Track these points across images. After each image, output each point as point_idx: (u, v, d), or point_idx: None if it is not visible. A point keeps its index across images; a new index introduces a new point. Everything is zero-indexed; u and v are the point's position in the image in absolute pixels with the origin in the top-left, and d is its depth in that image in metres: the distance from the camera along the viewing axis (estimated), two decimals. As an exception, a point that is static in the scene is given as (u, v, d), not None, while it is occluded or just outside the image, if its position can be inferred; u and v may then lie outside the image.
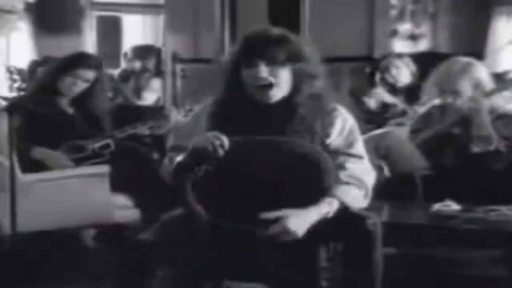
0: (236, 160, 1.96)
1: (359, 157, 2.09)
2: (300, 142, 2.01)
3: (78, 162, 2.97)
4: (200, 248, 1.93)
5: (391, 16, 5.02)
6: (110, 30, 5.62)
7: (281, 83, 2.04)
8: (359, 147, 2.11)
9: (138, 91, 4.73)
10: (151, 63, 5.02)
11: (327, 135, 2.07)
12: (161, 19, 5.46)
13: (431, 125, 3.00)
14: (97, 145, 3.01)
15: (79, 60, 3.05)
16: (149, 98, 4.76)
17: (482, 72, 2.99)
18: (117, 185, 2.86)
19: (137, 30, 5.87)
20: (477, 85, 2.95)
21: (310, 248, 2.02)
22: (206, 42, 5.37)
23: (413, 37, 4.95)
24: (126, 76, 4.91)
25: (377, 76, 4.06)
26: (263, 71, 2.02)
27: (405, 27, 4.98)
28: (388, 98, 3.90)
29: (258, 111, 2.05)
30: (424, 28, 4.95)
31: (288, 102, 2.06)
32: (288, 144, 2.00)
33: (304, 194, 1.97)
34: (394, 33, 4.98)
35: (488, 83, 2.97)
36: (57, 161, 2.93)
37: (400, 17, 4.99)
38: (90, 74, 3.03)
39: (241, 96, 2.06)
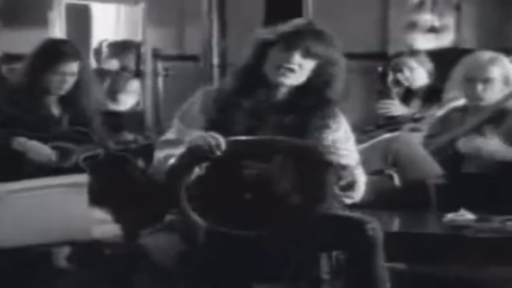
0: (233, 161, 2.34)
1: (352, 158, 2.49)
2: (301, 142, 2.39)
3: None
4: (196, 253, 2.30)
5: (408, 6, 5.24)
6: (81, 22, 5.80)
7: (300, 74, 2.47)
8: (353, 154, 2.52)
9: (113, 94, 5.00)
10: (129, 61, 5.30)
11: (321, 137, 2.48)
12: (140, 9, 5.66)
13: (449, 130, 3.37)
14: (82, 155, 3.31)
15: (58, 51, 3.32)
16: (127, 101, 5.03)
17: (509, 66, 3.40)
18: (94, 197, 3.16)
19: (110, 22, 6.03)
20: (506, 79, 3.35)
21: (310, 255, 2.40)
22: (192, 37, 5.61)
23: (434, 30, 5.17)
24: (99, 76, 5.06)
25: (390, 77, 4.35)
26: (296, 58, 2.45)
27: (425, 18, 5.20)
28: (399, 109, 4.17)
29: (268, 92, 2.47)
30: (447, 20, 5.19)
31: (298, 92, 2.48)
32: (288, 144, 2.38)
33: (304, 197, 2.35)
34: (411, 26, 5.20)
35: None
36: (41, 154, 3.21)
37: (419, 7, 5.22)
38: (75, 66, 3.32)
39: (256, 72, 2.48)
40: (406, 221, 3.05)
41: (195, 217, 2.31)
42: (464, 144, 3.27)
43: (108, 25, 5.99)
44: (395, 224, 2.97)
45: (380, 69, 4.81)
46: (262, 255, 2.36)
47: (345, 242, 2.37)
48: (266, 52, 2.51)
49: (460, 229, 2.80)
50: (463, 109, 3.45)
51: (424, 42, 5.17)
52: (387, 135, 3.43)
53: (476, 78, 3.36)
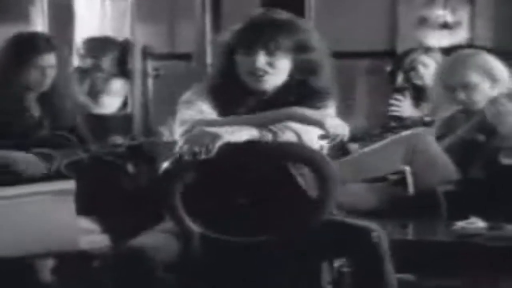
0: (230, 164, 2.47)
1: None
2: (300, 145, 2.53)
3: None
4: (191, 261, 2.44)
5: (418, 0, 5.36)
6: (63, 18, 5.86)
7: (277, 73, 2.56)
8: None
9: (95, 96, 5.19)
10: (107, 61, 5.37)
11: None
12: (127, 3, 5.77)
13: (454, 132, 3.51)
14: (65, 161, 3.44)
15: (30, 44, 3.45)
16: (111, 104, 5.24)
17: (492, 61, 3.49)
18: (81, 205, 3.27)
19: (95, 18, 6.09)
20: (491, 77, 3.44)
21: (311, 264, 2.54)
22: (184, 33, 5.75)
23: (446, 26, 5.29)
24: (80, 76, 5.22)
25: (400, 76, 4.50)
26: (261, 60, 2.53)
27: (436, 14, 5.33)
28: (409, 110, 4.32)
29: (253, 99, 2.57)
30: (460, 15, 5.31)
31: (285, 91, 2.58)
32: (287, 147, 2.52)
33: (305, 203, 2.50)
34: (422, 22, 5.33)
35: (504, 74, 3.46)
36: (28, 165, 3.35)
37: (430, 1, 5.34)
38: (51, 58, 3.45)
39: (234, 81, 2.57)
40: (415, 229, 3.23)
41: (189, 222, 2.45)
42: (489, 110, 3.40)
43: (92, 21, 6.04)
44: (403, 232, 3.13)
45: (388, 68, 4.95)
46: (260, 263, 2.50)
47: (349, 250, 2.51)
48: (232, 58, 2.57)
49: (470, 237, 2.96)
50: (466, 110, 3.56)
51: (436, 39, 5.28)
52: (406, 132, 3.56)
53: (455, 86, 3.48)
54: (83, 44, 5.49)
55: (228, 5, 5.56)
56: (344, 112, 2.69)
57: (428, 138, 3.47)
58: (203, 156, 2.37)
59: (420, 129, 3.69)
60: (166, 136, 3.87)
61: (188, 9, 5.59)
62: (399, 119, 4.30)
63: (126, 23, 5.81)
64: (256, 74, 2.54)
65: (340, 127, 2.53)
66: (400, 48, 5.18)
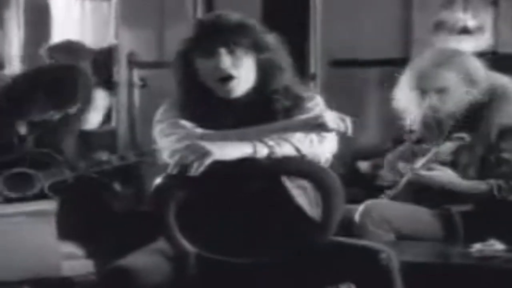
0: (227, 180, 2.65)
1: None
2: (300, 159, 2.69)
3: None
4: (186, 284, 2.61)
5: (435, 3, 5.42)
6: (40, 22, 5.94)
7: (244, 75, 2.74)
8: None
9: None
10: (86, 69, 5.27)
11: None
12: (110, 5, 5.85)
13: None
14: (49, 181, 3.60)
15: None
16: (91, 118, 5.25)
17: (472, 62, 3.59)
18: (64, 228, 3.45)
19: (73, 21, 6.15)
20: (469, 80, 3.54)
21: None
22: (174, 40, 5.82)
23: (466, 31, 5.37)
24: None
25: None
26: (224, 61, 2.70)
27: (455, 17, 5.40)
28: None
29: (223, 109, 2.74)
30: (482, 19, 5.37)
31: (256, 97, 2.77)
32: (285, 163, 2.68)
33: (308, 222, 2.68)
34: (439, 26, 5.41)
35: (483, 76, 3.55)
36: None
37: (448, 4, 5.41)
38: None
39: (200, 91, 2.74)
40: (429, 250, 3.43)
41: (184, 242, 2.62)
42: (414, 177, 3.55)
43: (72, 25, 6.10)
44: (416, 254, 3.32)
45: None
46: (259, 286, 2.68)
47: (356, 272, 2.67)
48: (192, 66, 2.74)
49: (488, 260, 3.16)
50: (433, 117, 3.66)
51: (455, 45, 5.26)
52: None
53: (428, 89, 3.57)
54: (46, 51, 5.52)
55: (222, 8, 5.64)
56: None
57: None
58: (190, 173, 2.53)
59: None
60: (157, 155, 3.97)
61: (178, 12, 5.71)
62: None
63: (109, 27, 5.89)
64: (223, 77, 2.72)
65: (342, 120, 2.68)
66: (415, 55, 5.03)
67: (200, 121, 2.74)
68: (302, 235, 2.70)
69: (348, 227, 3.42)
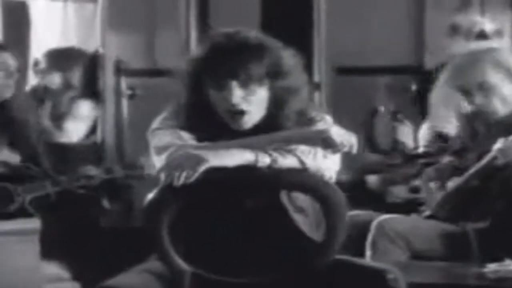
0: (224, 194, 2.75)
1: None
2: (302, 172, 2.78)
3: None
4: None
5: (449, 4, 5.59)
6: (18, 25, 5.99)
7: (256, 109, 2.81)
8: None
9: (57, 121, 5.37)
10: (75, 77, 5.49)
11: None
12: (96, 8, 5.89)
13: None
14: (30, 196, 3.69)
15: None
16: (75, 130, 5.41)
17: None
18: (47, 248, 3.55)
19: (55, 24, 6.19)
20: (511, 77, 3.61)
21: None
22: (165, 45, 5.88)
23: (483, 36, 5.32)
24: (38, 96, 5.43)
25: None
26: (236, 95, 2.77)
27: (471, 21, 5.36)
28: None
29: (231, 134, 2.80)
30: (501, 22, 5.46)
31: (267, 124, 2.83)
32: (286, 175, 2.77)
33: (300, 244, 2.78)
34: (454, 30, 5.35)
35: None
36: None
37: (464, 6, 5.58)
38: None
39: (210, 117, 2.82)
40: (441, 271, 3.53)
41: (179, 261, 2.73)
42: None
43: (53, 29, 6.14)
44: (428, 274, 3.43)
45: (414, 87, 5.23)
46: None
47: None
48: (203, 91, 2.80)
49: (504, 281, 3.26)
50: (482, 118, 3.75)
51: None
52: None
53: (470, 88, 3.64)
54: (45, 57, 5.62)
55: (217, 13, 5.74)
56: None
57: None
58: (181, 181, 2.62)
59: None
60: (147, 168, 4.01)
61: (170, 16, 5.81)
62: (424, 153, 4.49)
63: (95, 31, 5.92)
64: (234, 112, 2.79)
65: (346, 136, 2.77)
66: (428, 63, 5.40)
67: (205, 141, 2.81)
68: (302, 255, 2.79)
69: (358, 242, 3.56)
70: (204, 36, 2.94)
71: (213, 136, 2.81)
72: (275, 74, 2.82)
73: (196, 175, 2.64)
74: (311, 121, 2.89)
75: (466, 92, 3.70)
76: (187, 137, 2.82)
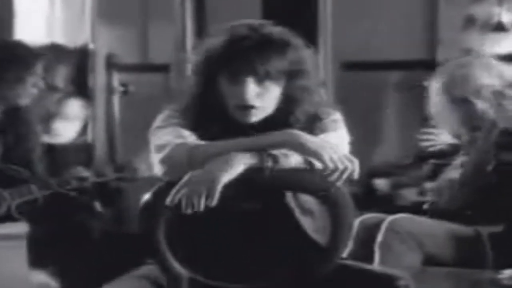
0: (223, 197, 2.77)
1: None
2: (308, 175, 2.82)
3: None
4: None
5: None
6: (0, 18, 6.00)
7: (266, 105, 2.86)
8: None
9: (44, 121, 5.38)
10: (61, 75, 5.59)
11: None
12: (87, 1, 5.93)
13: None
14: (17, 201, 3.73)
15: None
16: (64, 131, 5.49)
17: (498, 63, 3.86)
18: (35, 254, 3.59)
19: (40, 17, 6.20)
20: (504, 80, 3.79)
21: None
22: (159, 40, 5.98)
23: (501, 28, 5.50)
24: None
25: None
26: (250, 92, 2.82)
27: (488, 12, 5.52)
28: (447, 139, 4.47)
29: (237, 130, 2.85)
30: None
31: (275, 121, 2.87)
32: (292, 177, 2.83)
33: (305, 248, 2.84)
34: (469, 22, 5.55)
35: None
36: None
37: None
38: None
39: (218, 111, 2.86)
40: (455, 277, 3.59)
41: (176, 266, 2.78)
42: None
43: (38, 22, 6.14)
44: (441, 280, 3.49)
45: (427, 83, 5.27)
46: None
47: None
48: (214, 83, 2.85)
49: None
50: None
51: (488, 44, 5.48)
52: None
53: (465, 95, 3.84)
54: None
55: (213, 5, 5.78)
56: (367, 139, 2.94)
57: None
58: (203, 206, 2.67)
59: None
60: (141, 170, 4.06)
61: (164, 8, 5.84)
62: (436, 153, 4.54)
63: (84, 24, 5.94)
64: (245, 107, 2.84)
65: (346, 161, 2.76)
66: (441, 56, 5.43)
67: (203, 135, 2.85)
68: (306, 259, 2.85)
69: (368, 246, 3.64)
70: (222, 27, 2.89)
71: (216, 132, 2.85)
72: (294, 73, 2.87)
73: (216, 197, 2.69)
74: (319, 119, 2.93)
75: (462, 101, 3.85)
76: (187, 135, 2.86)
